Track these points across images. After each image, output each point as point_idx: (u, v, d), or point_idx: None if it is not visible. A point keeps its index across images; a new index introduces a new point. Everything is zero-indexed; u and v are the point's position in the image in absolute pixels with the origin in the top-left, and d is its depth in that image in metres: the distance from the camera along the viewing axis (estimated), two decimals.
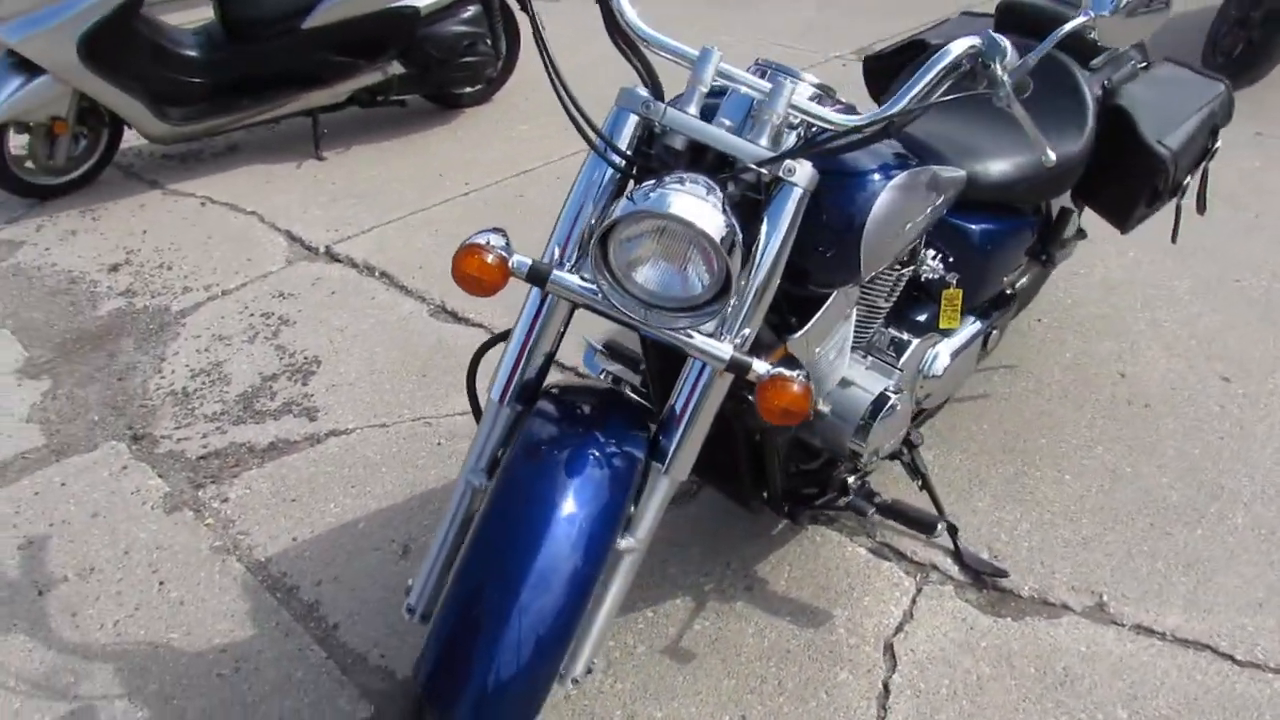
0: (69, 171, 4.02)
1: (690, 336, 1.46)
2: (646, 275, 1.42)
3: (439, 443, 2.60)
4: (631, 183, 1.50)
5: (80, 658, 2.03)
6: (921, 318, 2.13)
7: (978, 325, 2.23)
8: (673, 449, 1.53)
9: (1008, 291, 2.35)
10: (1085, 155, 2.21)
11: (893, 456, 2.16)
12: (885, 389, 1.94)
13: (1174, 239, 2.58)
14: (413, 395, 2.79)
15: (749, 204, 1.50)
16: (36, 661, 2.02)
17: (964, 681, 1.91)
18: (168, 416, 2.76)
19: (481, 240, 1.46)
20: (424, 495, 2.42)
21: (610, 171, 1.53)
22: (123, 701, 1.93)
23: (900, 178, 1.61)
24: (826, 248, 1.60)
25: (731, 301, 1.40)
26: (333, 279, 3.42)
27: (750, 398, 1.70)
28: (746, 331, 1.49)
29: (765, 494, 1.99)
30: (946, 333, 2.16)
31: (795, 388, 1.43)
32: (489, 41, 4.51)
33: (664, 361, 1.76)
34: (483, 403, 1.65)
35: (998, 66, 1.50)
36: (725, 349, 1.45)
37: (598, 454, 1.48)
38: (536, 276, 1.46)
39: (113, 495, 2.47)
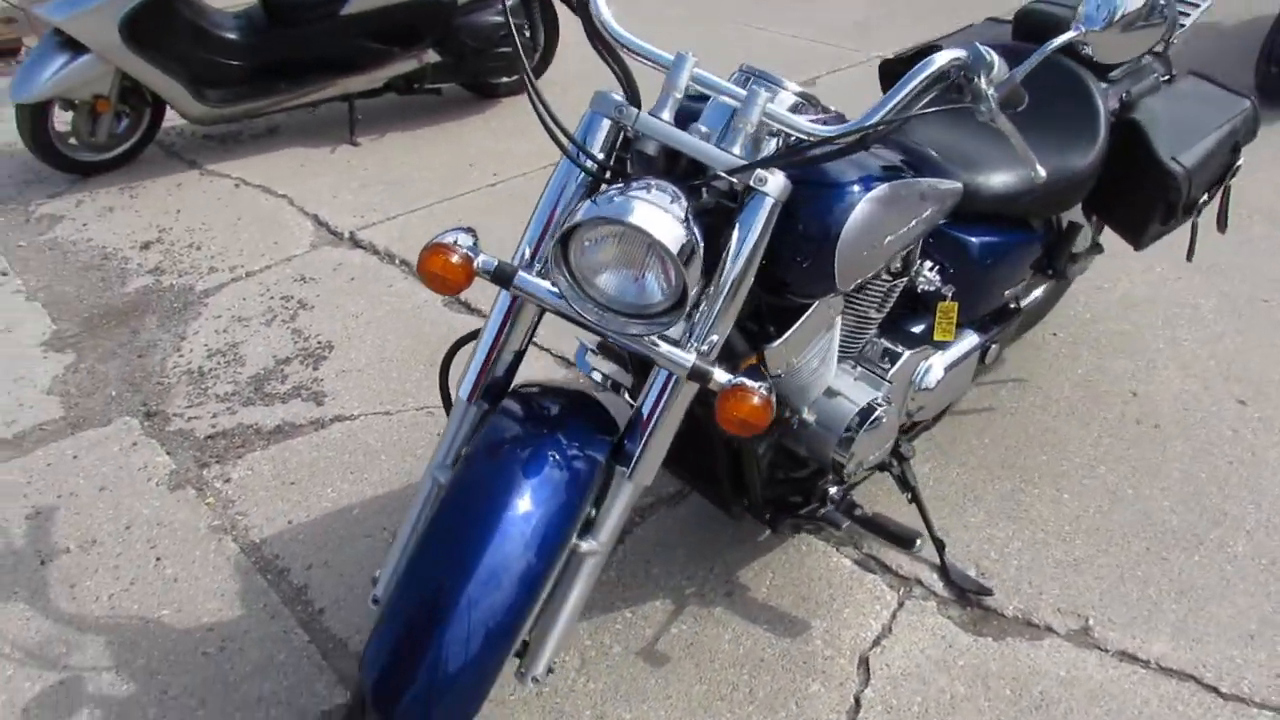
0: (111, 149, 4.13)
1: (656, 344, 1.47)
2: (606, 280, 1.42)
3: (439, 433, 2.62)
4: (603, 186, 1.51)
5: (74, 629, 2.09)
6: (917, 329, 2.11)
7: (975, 339, 2.19)
8: (637, 454, 1.53)
9: (1011, 306, 2.31)
10: (1094, 170, 2.16)
11: (882, 468, 2.14)
12: (872, 400, 1.92)
13: (1189, 257, 2.51)
14: (419, 384, 2.82)
15: (724, 212, 1.50)
16: (33, 630, 2.08)
17: (937, 700, 1.89)
18: (181, 395, 2.83)
19: (448, 240, 1.47)
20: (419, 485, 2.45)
21: (583, 175, 1.53)
22: (110, 674, 1.99)
23: (879, 190, 1.59)
24: (803, 258, 1.58)
25: (687, 312, 1.40)
26: (353, 265, 3.46)
27: None
28: (715, 338, 1.48)
29: (746, 500, 1.99)
30: (942, 345, 2.13)
31: (755, 399, 1.43)
32: (526, 32, 4.53)
33: (649, 364, 1.76)
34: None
35: (982, 80, 1.47)
36: (688, 357, 1.45)
37: (557, 455, 1.48)
38: (501, 277, 1.48)
39: (120, 470, 2.53)
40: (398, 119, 4.61)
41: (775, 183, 1.43)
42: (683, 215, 1.38)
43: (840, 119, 1.56)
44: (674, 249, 1.33)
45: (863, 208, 1.57)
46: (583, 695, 1.93)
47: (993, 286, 2.17)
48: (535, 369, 2.82)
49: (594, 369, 2.24)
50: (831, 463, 1.92)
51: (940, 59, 1.45)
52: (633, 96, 1.54)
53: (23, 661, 2.02)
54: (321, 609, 2.13)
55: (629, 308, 1.43)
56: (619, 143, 1.56)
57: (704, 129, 1.53)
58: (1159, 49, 2.43)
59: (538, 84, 1.48)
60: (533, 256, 1.55)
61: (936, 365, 2.10)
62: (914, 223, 1.71)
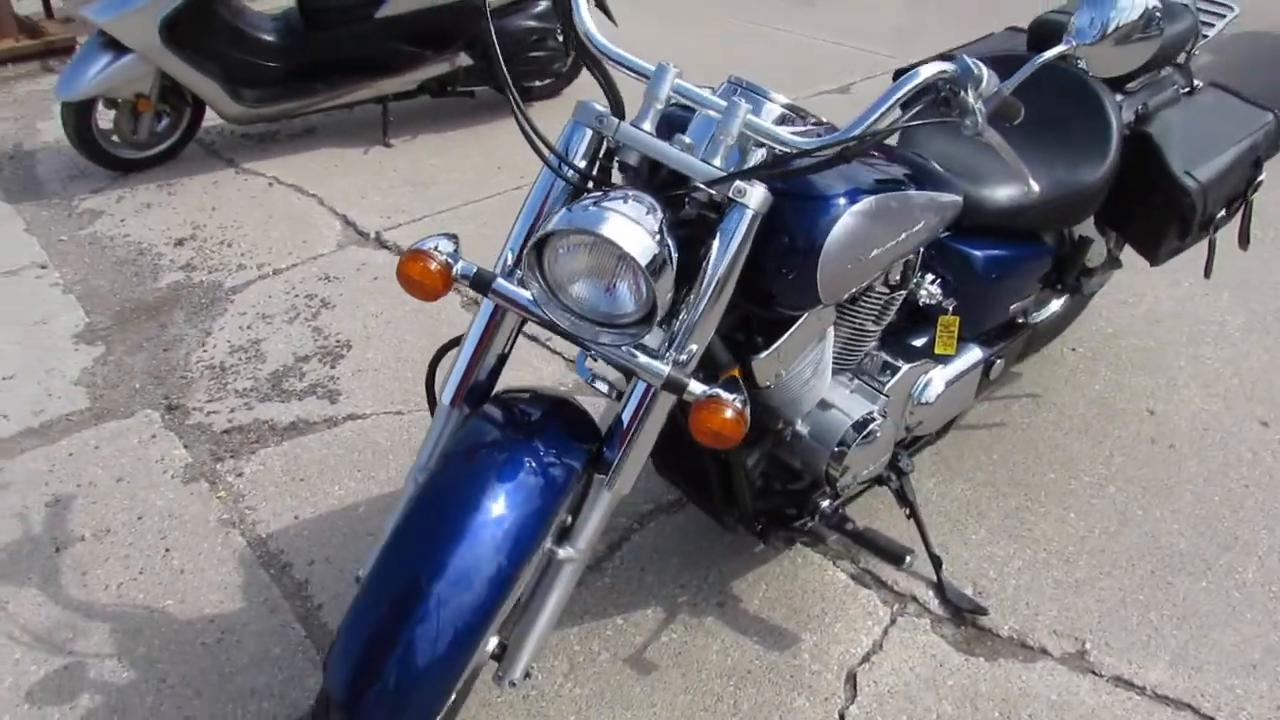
0: (151, 147, 4.23)
1: (634, 354, 1.47)
2: (579, 288, 1.43)
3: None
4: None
5: (82, 615, 2.15)
6: (918, 343, 2.08)
7: (979, 353, 2.16)
8: (615, 463, 1.54)
9: (1019, 320, 2.27)
10: (1105, 183, 2.12)
11: (881, 483, 2.12)
12: (866, 413, 1.91)
13: (1207, 273, 2.45)
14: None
15: (707, 222, 1.49)
16: (43, 616, 2.14)
17: (922, 719, 1.87)
18: (202, 390, 2.89)
19: (428, 246, 1.49)
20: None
21: (566, 184, 1.54)
22: (112, 661, 2.04)
23: (864, 203, 1.58)
24: (787, 270, 1.57)
25: (657, 323, 1.40)
26: (377, 265, 3.51)
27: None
28: (693, 348, 1.47)
29: (737, 511, 1.98)
30: (944, 359, 2.11)
31: (728, 412, 1.42)
32: (558, 37, 4.55)
33: None
34: None
35: (969, 94, 1.45)
36: (664, 367, 1.45)
37: (533, 460, 1.49)
38: (480, 284, 1.49)
39: (138, 462, 2.60)
40: (430, 121, 4.67)
41: (755, 195, 1.43)
42: (656, 227, 1.38)
43: (832, 130, 1.55)
44: (643, 261, 1.33)
45: (846, 220, 1.55)
46: (568, 700, 1.94)
47: (997, 300, 2.14)
48: (546, 374, 2.84)
49: (594, 375, 2.26)
50: (824, 476, 1.91)
51: (925, 72, 1.43)
52: (617, 107, 1.55)
53: (30, 646, 2.07)
54: (320, 604, 2.17)
55: (602, 317, 1.44)
56: (603, 152, 1.56)
57: (687, 140, 1.53)
58: (1180, 60, 2.38)
59: (517, 93, 1.49)
60: (515, 264, 1.56)
61: (936, 379, 2.08)
62: (904, 235, 1.70)
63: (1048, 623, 2.04)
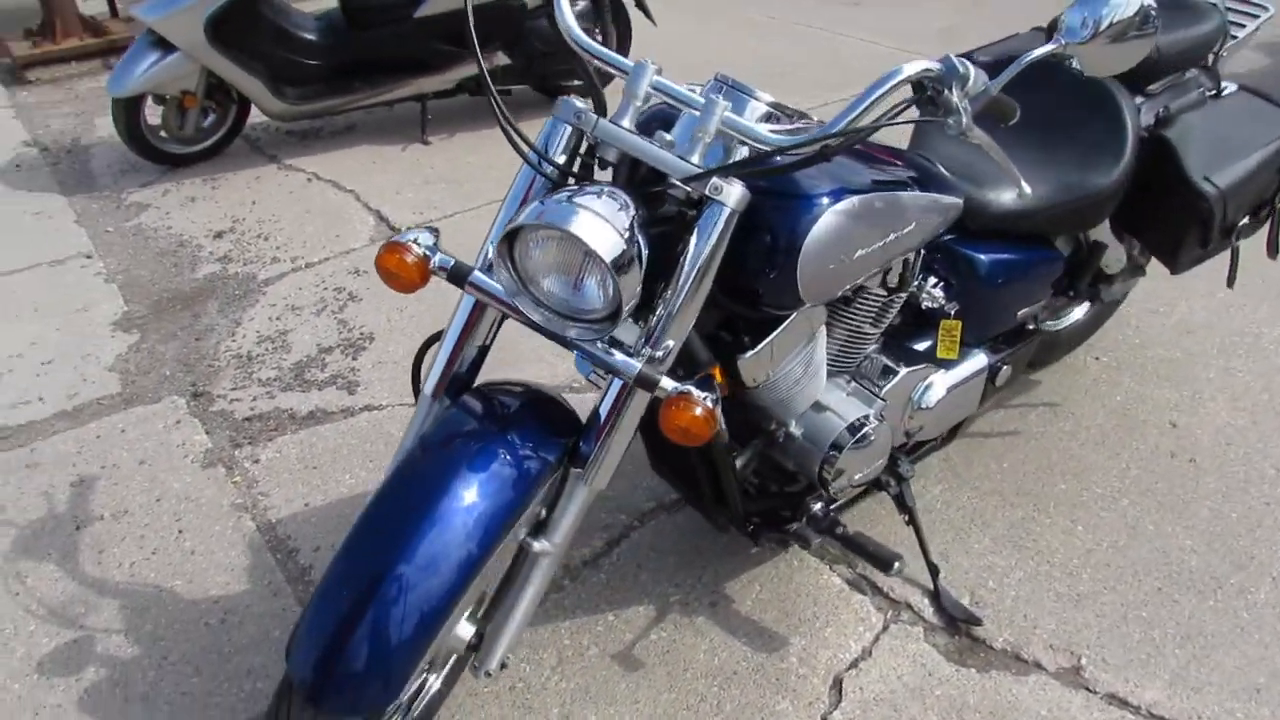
0: (198, 142, 4.35)
1: (610, 351, 1.48)
2: (549, 282, 1.44)
3: None
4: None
5: (95, 592, 2.22)
6: (920, 347, 2.06)
7: (984, 359, 2.12)
8: (591, 458, 1.54)
9: (1029, 327, 2.23)
10: (1118, 188, 2.07)
11: (880, 487, 2.10)
12: (861, 417, 1.89)
13: (1230, 283, 2.37)
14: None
15: (686, 220, 1.49)
16: (58, 590, 2.22)
17: None
18: (228, 378, 2.96)
19: (406, 239, 1.51)
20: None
21: (545, 180, 1.55)
22: (119, 637, 2.10)
23: (847, 202, 1.56)
24: (769, 269, 1.56)
25: (624, 320, 1.40)
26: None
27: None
28: (670, 344, 1.47)
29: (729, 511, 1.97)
30: (946, 364, 2.07)
31: (697, 410, 1.42)
32: (598, 36, 4.58)
33: None
34: None
35: (953, 93, 1.43)
36: (635, 363, 1.45)
37: (508, 451, 1.49)
38: (456, 276, 1.51)
39: (161, 446, 2.67)
40: (468, 119, 4.72)
41: (732, 192, 1.42)
42: (627, 223, 1.38)
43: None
44: (608, 258, 1.33)
45: (828, 219, 1.54)
46: (554, 693, 1.95)
47: (1002, 305, 2.10)
48: (561, 370, 2.85)
49: (593, 370, 2.27)
50: (817, 478, 1.90)
51: (908, 69, 1.41)
52: (599, 103, 1.55)
53: (45, 619, 2.15)
54: None
55: (571, 311, 1.45)
56: (585, 149, 1.57)
57: (668, 137, 1.53)
58: (1207, 62, 2.31)
59: (495, 89, 1.50)
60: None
61: (938, 384, 2.05)
62: (892, 237, 1.67)
63: (1044, 636, 2.00)
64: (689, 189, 1.45)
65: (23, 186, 4.26)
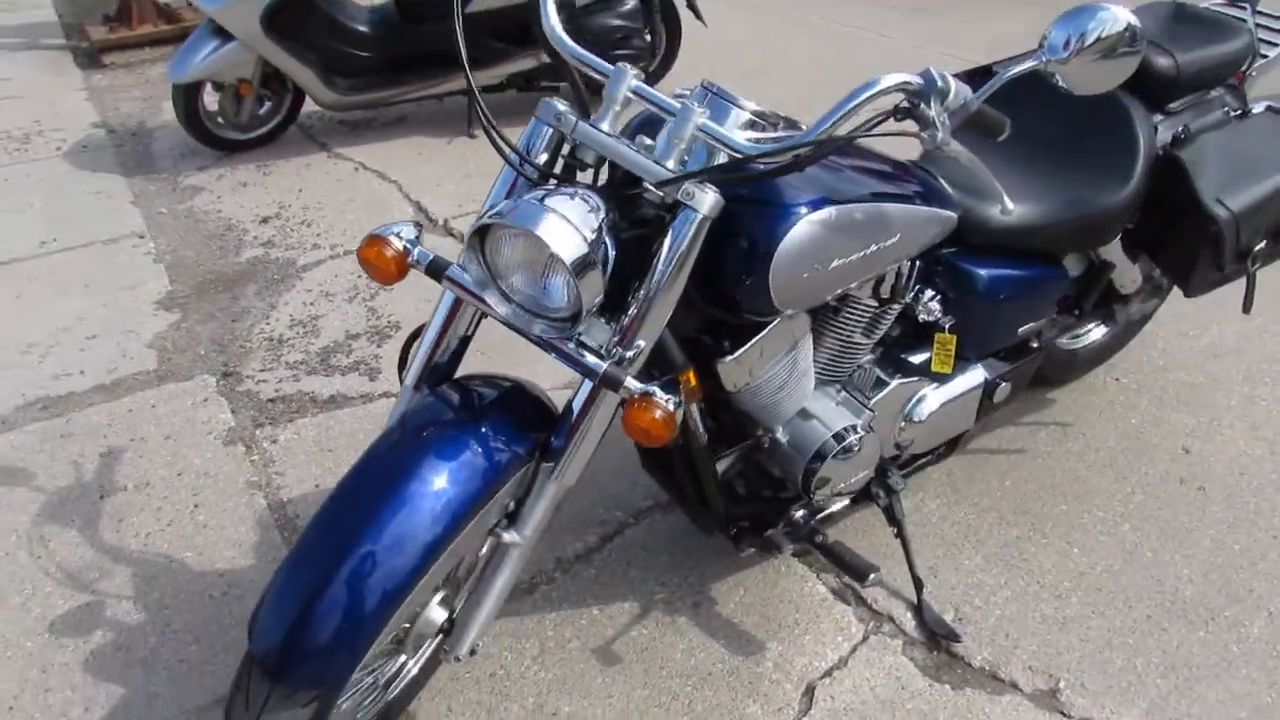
0: (253, 129, 4.48)
1: (581, 351, 1.51)
2: (518, 278, 1.48)
3: None
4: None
5: (110, 559, 2.32)
6: (916, 359, 2.05)
7: (980, 375, 2.10)
8: (560, 454, 1.57)
9: (1033, 344, 2.20)
10: (1126, 207, 2.04)
11: (869, 498, 2.10)
12: (847, 426, 1.90)
13: (1246, 309, 2.31)
14: (467, 368, 2.94)
15: (662, 223, 1.52)
16: (77, 556, 2.33)
17: None
18: (258, 359, 3.07)
19: (387, 232, 1.57)
20: None
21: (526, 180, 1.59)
22: (127, 603, 2.20)
23: (824, 212, 1.57)
24: (744, 275, 1.58)
25: (584, 320, 1.43)
26: (441, 251, 3.61)
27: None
28: (641, 343, 1.50)
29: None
30: (943, 378, 2.06)
31: (657, 413, 1.44)
32: (646, 36, 4.61)
33: None
34: None
35: (931, 107, 1.43)
36: (600, 362, 1.48)
37: (479, 441, 1.52)
38: (435, 271, 1.56)
39: (187, 422, 2.78)
40: (516, 114, 4.72)
41: (704, 198, 1.44)
42: (594, 226, 1.41)
43: None
44: (568, 259, 1.36)
45: (801, 228, 1.55)
46: (531, 682, 1.99)
47: (1002, 321, 2.08)
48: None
49: None
50: (800, 485, 1.90)
51: (885, 81, 1.42)
52: (583, 106, 1.59)
53: (61, 582, 2.25)
54: None
55: (538, 308, 1.48)
56: (569, 150, 1.61)
57: (648, 141, 1.56)
58: (1233, 81, 2.25)
59: (478, 90, 1.54)
60: None
61: (931, 398, 2.05)
62: (873, 248, 1.67)
63: (1024, 657, 1.98)
64: (660, 193, 1.47)
65: (87, 166, 4.45)
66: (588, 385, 1.56)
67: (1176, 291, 2.41)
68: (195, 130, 4.36)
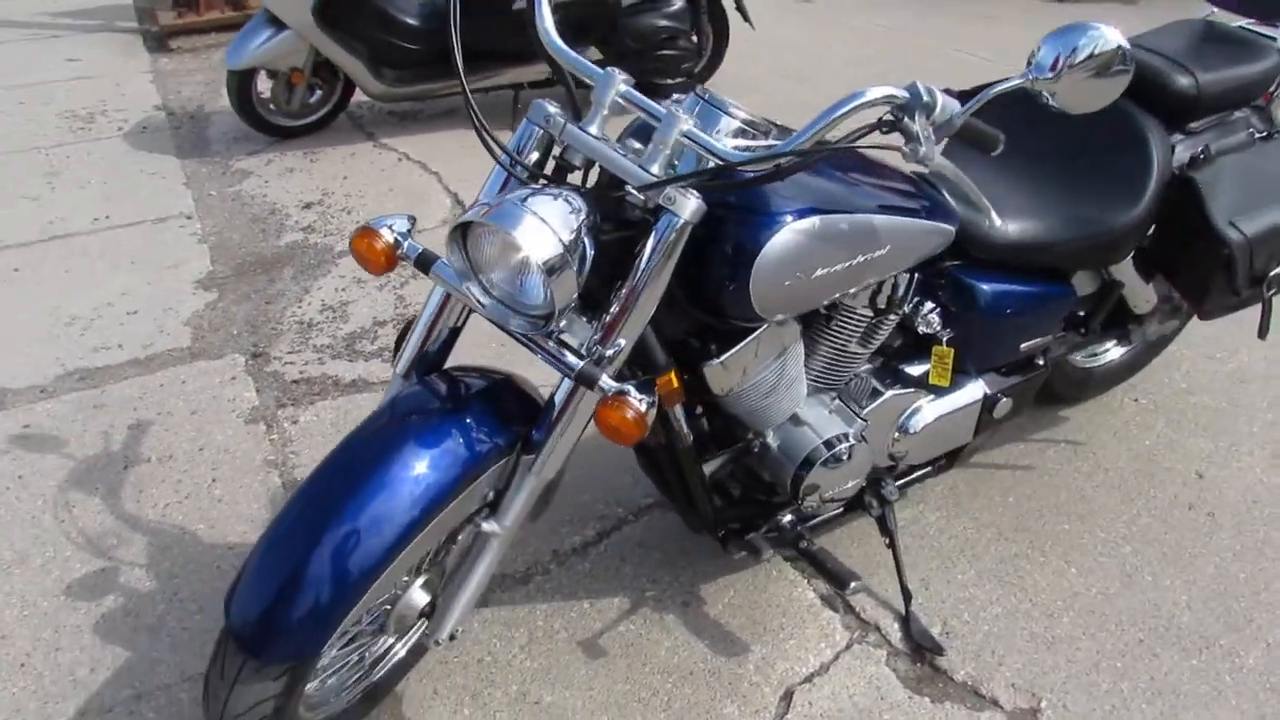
0: (303, 116, 4.60)
1: (562, 349, 1.54)
2: (498, 275, 1.51)
3: None
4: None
5: (128, 527, 2.41)
6: (915, 371, 2.05)
7: (981, 389, 2.09)
8: (540, 448, 1.61)
9: (1039, 361, 2.18)
10: (1137, 227, 2.01)
11: (862, 508, 2.10)
12: (837, 434, 1.90)
13: (1261, 334, 2.25)
14: (484, 360, 2.99)
15: (646, 227, 1.54)
16: (97, 523, 2.42)
17: None
18: (287, 341, 3.15)
19: (379, 225, 1.62)
20: None
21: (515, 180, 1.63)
22: (139, 570, 2.29)
23: (808, 221, 1.58)
24: (727, 280, 1.60)
25: (557, 320, 1.46)
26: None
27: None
28: (621, 342, 1.52)
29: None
30: (941, 391, 2.06)
31: (629, 412, 1.47)
32: (693, 37, 4.62)
33: None
34: None
35: (915, 121, 1.44)
36: (576, 360, 1.51)
37: (460, 431, 1.55)
38: (422, 264, 1.60)
39: (214, 399, 2.87)
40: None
41: (686, 204, 1.46)
42: (573, 227, 1.44)
43: None
44: (540, 260, 1.39)
45: (784, 236, 1.56)
46: (516, 670, 2.03)
47: (1003, 336, 2.06)
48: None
49: None
50: (789, 491, 1.92)
51: (871, 93, 1.43)
52: (575, 107, 1.62)
53: (81, 547, 2.35)
54: None
55: (516, 304, 1.51)
56: (558, 151, 1.64)
57: (636, 145, 1.59)
58: (1261, 102, 2.20)
59: (471, 91, 1.58)
60: None
61: (926, 410, 2.04)
62: (860, 259, 1.68)
63: (1008, 675, 1.96)
64: (642, 197, 1.49)
65: (145, 147, 4.60)
66: (567, 382, 1.59)
67: None
68: (248, 116, 4.48)
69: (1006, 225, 1.94)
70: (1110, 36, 1.42)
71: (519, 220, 1.40)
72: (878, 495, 2.09)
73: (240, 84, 4.36)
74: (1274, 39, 2.21)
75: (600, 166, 1.60)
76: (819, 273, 1.63)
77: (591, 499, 2.45)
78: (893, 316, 1.92)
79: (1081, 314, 2.23)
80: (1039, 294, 2.04)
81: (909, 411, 2.02)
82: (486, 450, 1.58)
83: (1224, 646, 2.00)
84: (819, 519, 2.09)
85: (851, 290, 1.74)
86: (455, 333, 1.76)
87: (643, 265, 1.50)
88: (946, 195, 1.88)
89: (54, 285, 3.45)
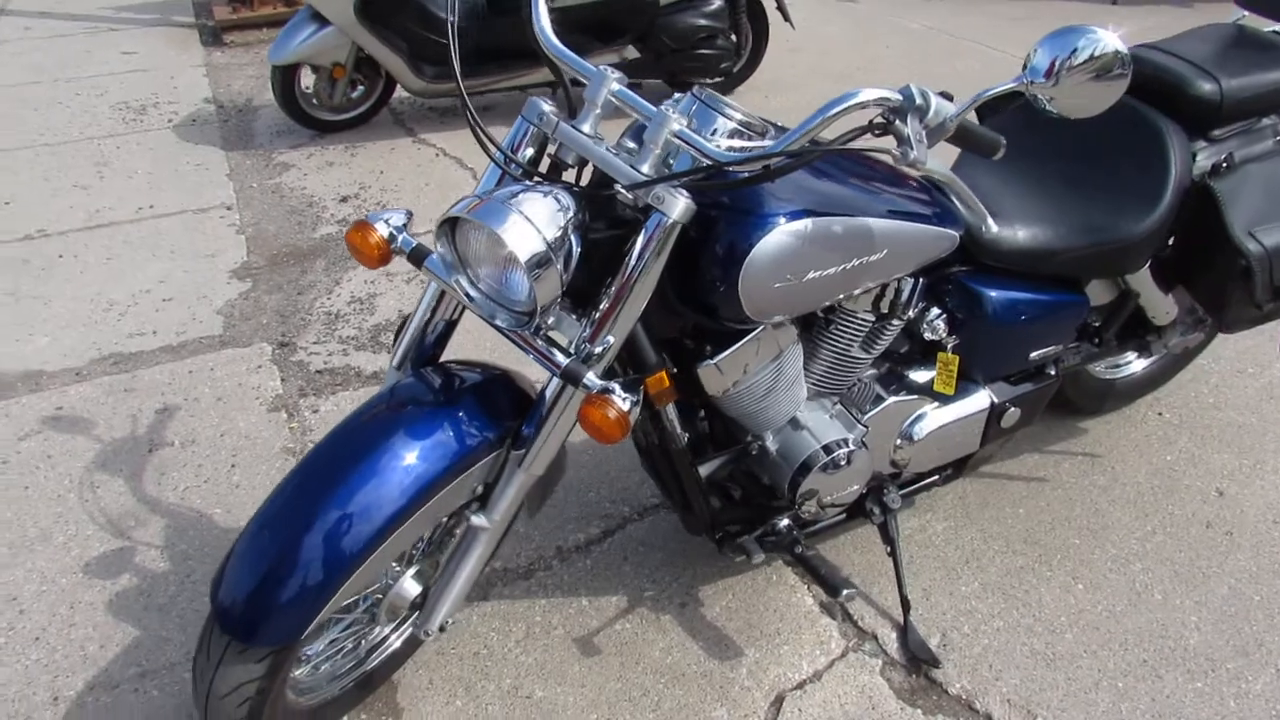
0: (345, 111, 4.68)
1: (551, 344, 1.55)
2: (485, 270, 1.52)
3: None
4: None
5: (148, 509, 2.48)
6: (922, 378, 2.02)
7: (986, 398, 2.06)
8: (529, 444, 1.62)
9: (1050, 370, 2.13)
10: (1152, 235, 1.96)
11: (864, 514, 2.08)
12: (837, 439, 1.89)
13: None
14: (504, 356, 3.02)
15: (637, 225, 1.54)
16: (119, 504, 2.49)
17: None
18: (314, 332, 3.21)
19: (375, 219, 1.64)
20: None
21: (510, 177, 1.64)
22: (155, 550, 2.34)
23: (800, 223, 1.56)
24: (717, 281, 1.59)
25: (539, 317, 1.47)
26: None
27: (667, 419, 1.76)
28: (610, 340, 1.52)
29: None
30: (947, 398, 2.03)
31: (610, 412, 1.47)
32: (731, 36, 4.60)
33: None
34: None
35: (907, 124, 1.42)
36: (562, 357, 1.52)
37: (450, 424, 1.57)
38: (416, 258, 1.62)
39: (239, 386, 2.94)
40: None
41: (675, 203, 1.46)
42: (560, 225, 1.44)
43: None
44: (523, 258, 1.40)
45: (775, 238, 1.55)
46: (511, 664, 2.04)
47: (1011, 345, 2.02)
48: None
49: None
50: (787, 495, 1.90)
51: (863, 95, 1.41)
52: (570, 105, 1.63)
53: (102, 526, 2.42)
54: None
55: (503, 300, 1.52)
56: (553, 148, 1.65)
57: (630, 144, 1.59)
58: None
59: (466, 89, 1.60)
60: None
61: (930, 418, 2.02)
62: (856, 263, 1.66)
63: (1005, 690, 1.93)
64: (630, 197, 1.49)
65: (192, 139, 4.71)
66: (556, 380, 1.59)
67: None
68: (291, 110, 4.56)
69: (1015, 231, 1.91)
70: (1108, 40, 1.39)
71: (503, 217, 1.41)
72: (880, 502, 2.07)
73: (284, 78, 4.45)
74: None
75: (591, 165, 1.61)
76: (811, 275, 1.62)
77: (599, 497, 2.46)
78: (896, 321, 1.90)
79: (1096, 324, 2.18)
80: (1049, 302, 2.00)
81: (912, 418, 2.00)
82: (476, 444, 1.59)
83: (1231, 670, 1.95)
84: (821, 525, 2.08)
85: (848, 294, 1.72)
86: (451, 326, 1.78)
87: (631, 264, 1.50)
88: (954, 200, 1.86)
89: (96, 272, 3.55)
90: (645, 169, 1.51)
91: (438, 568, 1.88)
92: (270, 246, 3.76)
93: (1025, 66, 1.43)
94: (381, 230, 1.63)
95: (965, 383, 2.05)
